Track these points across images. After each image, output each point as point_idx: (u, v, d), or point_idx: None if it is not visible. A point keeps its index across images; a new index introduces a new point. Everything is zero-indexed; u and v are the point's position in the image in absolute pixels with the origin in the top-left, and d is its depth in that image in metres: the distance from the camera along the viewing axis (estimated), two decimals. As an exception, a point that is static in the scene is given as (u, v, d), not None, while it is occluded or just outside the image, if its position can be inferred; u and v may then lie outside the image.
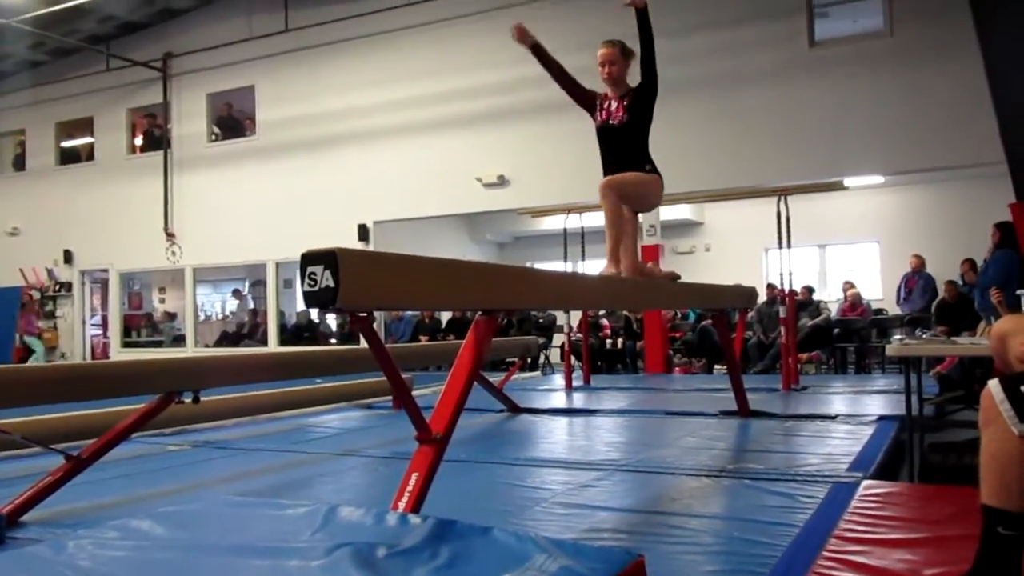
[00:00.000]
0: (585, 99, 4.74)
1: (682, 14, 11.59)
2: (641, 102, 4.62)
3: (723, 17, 11.41)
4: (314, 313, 14.43)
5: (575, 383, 9.38)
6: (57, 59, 16.86)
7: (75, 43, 15.58)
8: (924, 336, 6.46)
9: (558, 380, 10.08)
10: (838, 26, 11.62)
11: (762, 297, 10.83)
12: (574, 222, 10.16)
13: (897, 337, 6.06)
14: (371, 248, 13.60)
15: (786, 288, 8.66)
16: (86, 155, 17.22)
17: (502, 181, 12.76)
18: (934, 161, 10.73)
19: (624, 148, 4.64)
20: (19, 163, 17.87)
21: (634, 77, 4.80)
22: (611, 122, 4.63)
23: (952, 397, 6.36)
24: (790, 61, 11.17)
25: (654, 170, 4.71)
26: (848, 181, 9.92)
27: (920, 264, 12.53)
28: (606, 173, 4.68)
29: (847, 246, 15.66)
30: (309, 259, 2.42)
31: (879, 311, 13.06)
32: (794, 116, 11.06)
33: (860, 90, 10.76)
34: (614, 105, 4.64)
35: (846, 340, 11.75)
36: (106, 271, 16.63)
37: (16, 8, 13.52)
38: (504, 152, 12.68)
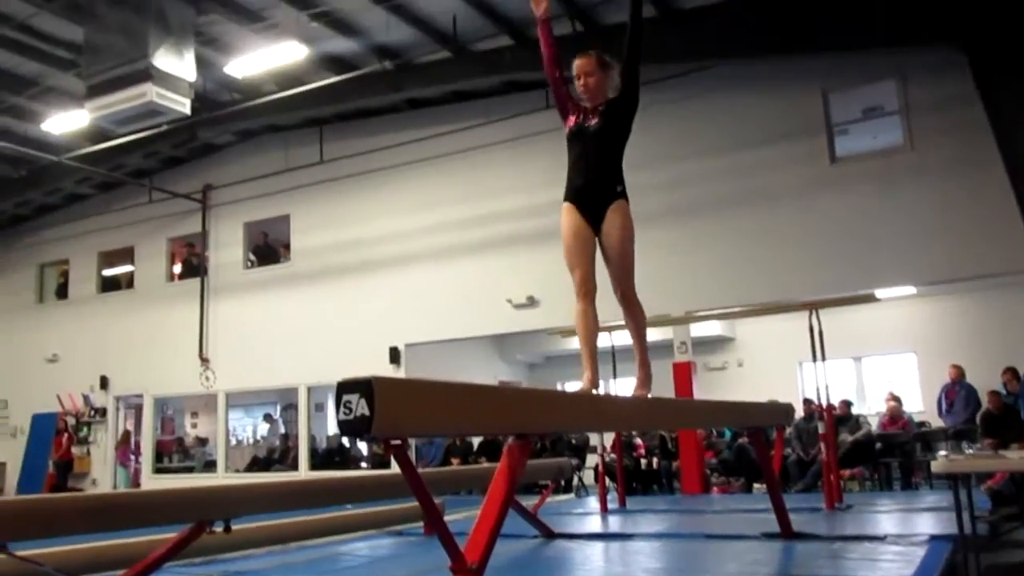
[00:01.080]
0: (562, 99, 4.20)
1: (706, 135, 11.91)
2: (618, 110, 4.09)
3: (746, 137, 11.68)
4: (345, 438, 14.37)
5: (610, 505, 9.15)
6: (102, 192, 17.56)
7: (120, 177, 16.25)
8: (971, 450, 6.28)
9: (593, 503, 9.85)
10: (859, 143, 11.82)
11: (799, 413, 10.63)
12: (604, 341, 10.14)
13: (943, 453, 5.90)
14: (403, 370, 13.66)
15: (823, 403, 8.50)
16: (126, 283, 17.68)
17: (531, 302, 12.86)
18: (964, 271, 10.71)
19: (595, 155, 4.07)
20: (62, 292, 18.37)
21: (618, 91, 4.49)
22: (585, 124, 4.10)
23: (1007, 515, 6.13)
24: (813, 178, 11.34)
25: (625, 195, 4.10)
26: (880, 292, 9.87)
27: (959, 374, 12.27)
28: (571, 187, 4.11)
29: (883, 357, 15.42)
30: (345, 387, 2.44)
31: (921, 424, 12.73)
32: (821, 230, 11.15)
33: (885, 203, 10.87)
34: (589, 113, 4.13)
35: (889, 455, 11.42)
36: (140, 396, 16.77)
37: (66, 145, 14.19)
38: (533, 273, 12.83)
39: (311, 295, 14.89)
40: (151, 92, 9.75)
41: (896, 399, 12.37)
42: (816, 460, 10.19)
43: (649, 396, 4.19)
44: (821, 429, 8.44)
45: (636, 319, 4.16)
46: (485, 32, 11.63)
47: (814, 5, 10.60)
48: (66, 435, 16.73)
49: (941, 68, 10.42)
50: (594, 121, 4.08)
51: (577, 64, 4.12)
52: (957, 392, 12.05)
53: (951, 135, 10.56)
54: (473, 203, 13.47)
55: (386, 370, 13.43)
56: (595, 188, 4.05)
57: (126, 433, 16.92)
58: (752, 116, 11.73)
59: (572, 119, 4.15)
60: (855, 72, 11.34)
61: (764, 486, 7.33)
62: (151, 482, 16.13)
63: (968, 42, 9.80)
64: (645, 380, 4.17)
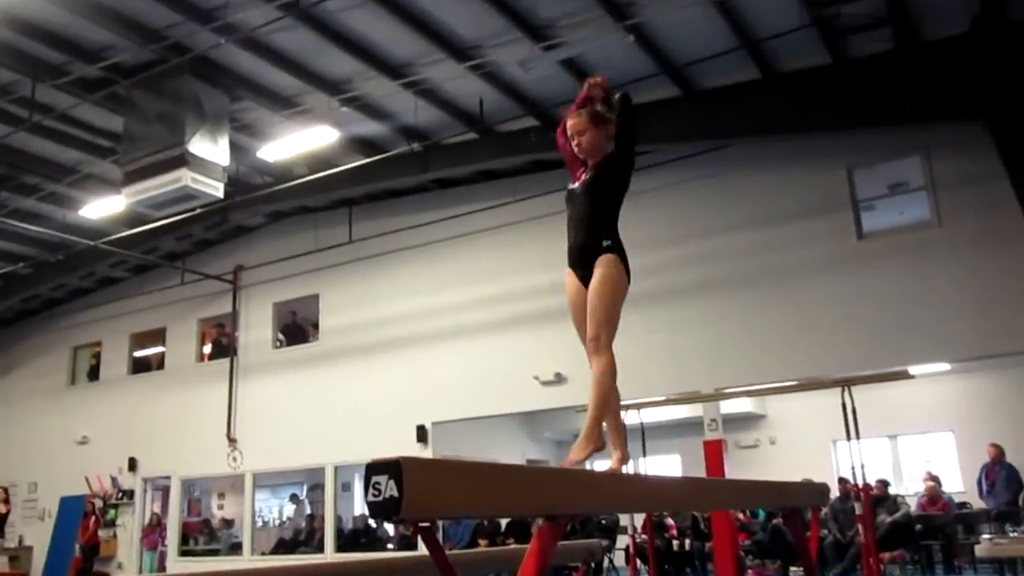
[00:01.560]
0: (568, 160, 4.12)
1: (734, 211, 11.98)
2: (609, 164, 3.92)
3: (773, 213, 11.73)
4: (371, 519, 14.19)
5: (643, 589, 8.93)
6: (135, 275, 17.89)
7: (153, 260, 16.56)
8: (1015, 533, 6.08)
9: (625, 586, 9.61)
10: (886, 218, 11.82)
11: (834, 492, 10.39)
12: (633, 418, 10.04)
13: (986, 536, 5.72)
14: (430, 448, 13.58)
15: (859, 482, 8.30)
16: (157, 364, 17.84)
17: (559, 379, 12.79)
18: (998, 347, 10.54)
19: (581, 214, 3.92)
20: (94, 374, 18.55)
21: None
22: (573, 184, 4.01)
23: (1054, 601, 5.89)
24: (841, 254, 11.33)
25: (614, 248, 3.84)
26: (914, 369, 9.73)
27: (999, 454, 11.96)
28: (568, 251, 4.00)
29: (920, 436, 15.10)
30: (374, 468, 2.42)
31: (962, 505, 12.37)
32: (851, 306, 11.07)
33: (915, 279, 10.80)
34: (584, 172, 4.00)
35: (930, 537, 11.09)
36: (168, 478, 16.73)
37: (102, 230, 14.54)
38: (560, 349, 12.77)
39: (339, 374, 14.93)
40: (186, 177, 10.01)
41: (935, 479, 12.06)
42: (854, 542, 9.91)
43: (579, 465, 3.51)
44: (858, 510, 8.24)
45: (595, 373, 3.62)
46: (511, 113, 11.89)
47: (836, 84, 10.76)
48: (93, 518, 16.67)
49: (966, 144, 10.47)
50: (583, 177, 3.96)
51: (569, 125, 3.97)
52: (998, 472, 11.72)
53: (979, 210, 10.53)
54: (499, 280, 13.55)
55: (413, 449, 13.34)
56: (584, 248, 3.90)
57: (154, 517, 16.84)
58: (778, 192, 11.80)
59: (569, 184, 4.05)
60: (880, 148, 11.41)
61: (801, 569, 7.11)
62: (176, 566, 15.98)
63: (991, 118, 9.85)
64: (583, 445, 3.51)
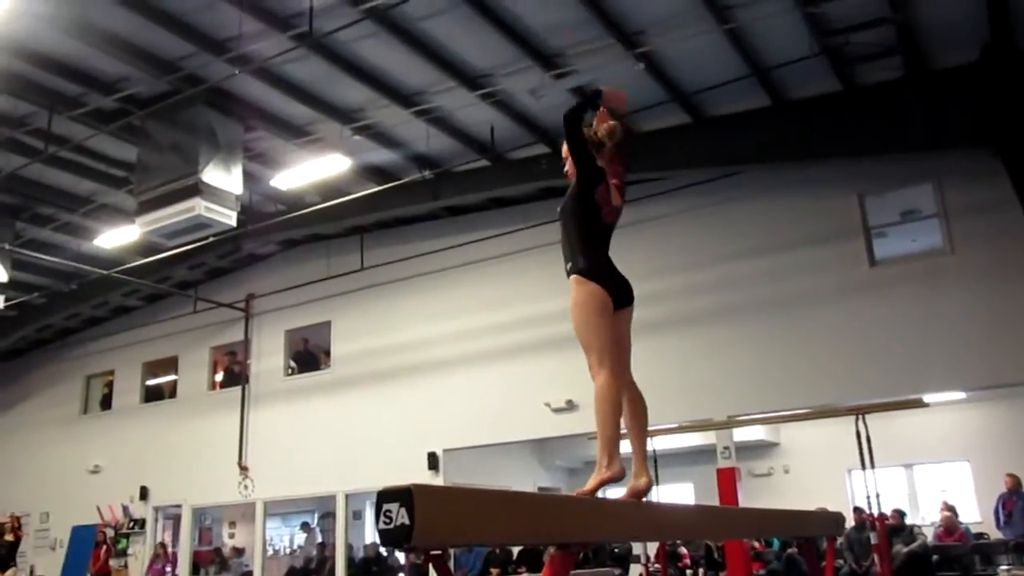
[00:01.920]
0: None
1: (745, 238, 11.98)
2: (571, 188, 3.96)
3: (785, 240, 11.71)
4: (384, 547, 14.11)
5: (657, 620, 8.83)
6: (148, 304, 17.99)
7: (166, 289, 16.65)
8: (1033, 563, 6.00)
9: (638, 617, 9.50)
10: (898, 245, 11.79)
11: (849, 522, 10.28)
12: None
13: (1004, 567, 5.64)
14: (441, 476, 13.52)
15: (875, 512, 8.22)
16: (169, 392, 17.87)
17: (570, 406, 12.74)
18: (1013, 376, 10.45)
19: (561, 239, 3.96)
20: (106, 403, 18.58)
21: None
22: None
23: (1076, 632, 5.79)
24: (854, 281, 11.28)
25: (573, 270, 3.81)
26: (929, 398, 9.65)
27: (1016, 484, 11.80)
28: None
29: (936, 465, 14.94)
30: (385, 496, 2.42)
31: (979, 535, 12.21)
32: (863, 334, 11.01)
33: (928, 306, 10.74)
34: None
35: (947, 568, 10.93)
36: (179, 507, 16.70)
37: (115, 259, 14.64)
38: (572, 376, 12.62)
39: (350, 401, 14.92)
40: (199, 206, 10.08)
41: (951, 509, 11.92)
42: (870, 572, 9.78)
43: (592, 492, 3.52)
44: (874, 539, 8.16)
45: (595, 401, 3.64)
46: (522, 141, 11.95)
47: (846, 111, 10.78)
48: (104, 547, 16.61)
49: (977, 172, 10.45)
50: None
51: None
52: (1015, 503, 11.58)
53: (991, 238, 10.49)
54: (511, 307, 13.55)
55: (424, 476, 13.29)
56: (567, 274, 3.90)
57: (159, 547, 16.75)
58: (789, 219, 11.79)
59: None
60: (891, 175, 11.41)
61: (817, 600, 7.02)
62: (187, 595, 15.90)
63: (1002, 146, 9.85)
64: (594, 474, 3.52)
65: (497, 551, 13.90)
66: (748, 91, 10.81)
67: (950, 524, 11.56)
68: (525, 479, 16.27)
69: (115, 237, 13.39)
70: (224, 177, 10.42)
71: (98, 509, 17.10)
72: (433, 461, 13.75)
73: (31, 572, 17.24)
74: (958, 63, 10.09)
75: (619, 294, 3.80)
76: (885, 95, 10.49)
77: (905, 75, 10.31)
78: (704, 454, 13.48)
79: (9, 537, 15.38)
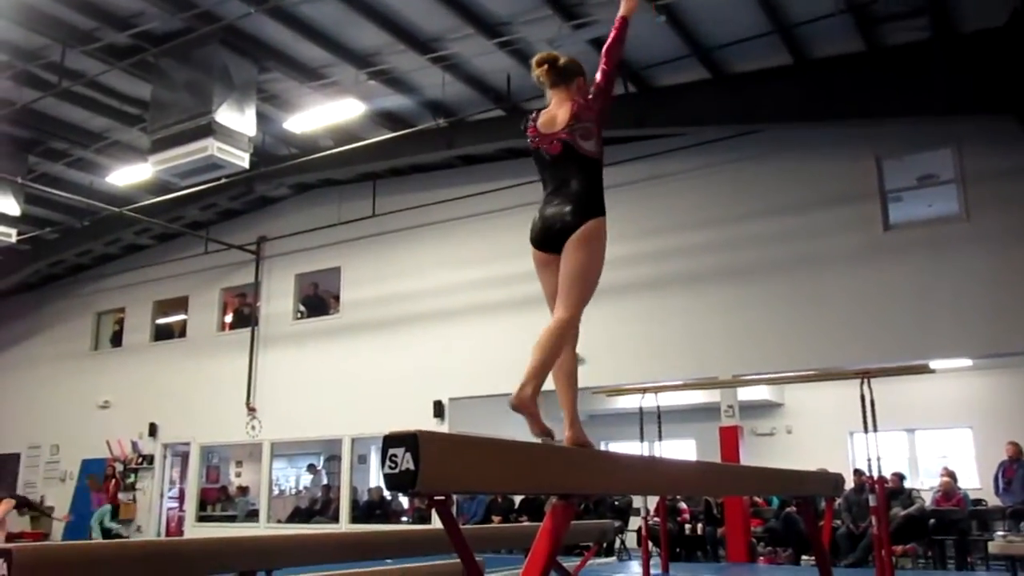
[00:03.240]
0: None
1: (759, 198, 11.89)
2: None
3: (799, 201, 11.63)
4: (388, 491, 14.32)
5: (653, 571, 8.96)
6: (159, 243, 18.05)
7: (178, 229, 16.69)
8: (1030, 531, 6.05)
9: (635, 567, 9.66)
10: (913, 210, 11.69)
11: (849, 483, 10.36)
12: (650, 401, 10.04)
13: (1000, 533, 5.69)
14: (446, 424, 13.64)
15: (875, 475, 8.27)
16: (179, 332, 18.01)
17: (577, 359, 12.77)
18: (1021, 345, 10.42)
19: None
20: (116, 340, 18.75)
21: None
22: None
23: (1068, 600, 5.85)
24: (867, 244, 11.22)
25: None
26: (935, 364, 9.65)
27: (1017, 452, 11.84)
28: None
29: (938, 431, 14.99)
30: (391, 441, 2.44)
31: (977, 501, 12.29)
32: (874, 298, 10.98)
33: (939, 273, 10.69)
34: None
35: (943, 532, 11.02)
36: (187, 444, 16.94)
37: (128, 197, 14.65)
38: (580, 328, 12.78)
39: (358, 347, 15.02)
40: (212, 147, 10.05)
41: (951, 474, 11.98)
42: (867, 534, 9.89)
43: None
44: (872, 502, 8.21)
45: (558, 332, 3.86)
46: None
47: (868, 72, 10.61)
48: (114, 481, 16.91)
49: (997, 138, 10.32)
50: None
51: None
52: (1015, 470, 11.62)
53: (1008, 206, 10.39)
54: (522, 259, 13.33)
55: (430, 424, 13.42)
56: None
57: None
58: (805, 180, 11.69)
59: None
60: (910, 139, 11.27)
61: (812, 558, 7.11)
62: (194, 531, 16.20)
63: (1023, 113, 9.69)
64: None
65: (499, 499, 14.09)
66: (770, 48, 10.65)
67: (949, 489, 11.63)
68: (529, 431, 16.40)
69: (128, 175, 13.38)
70: (237, 118, 10.37)
71: (107, 444, 17.37)
72: (439, 409, 13.88)
73: (42, 501, 17.56)
74: (985, 27, 9.88)
75: None
76: (909, 57, 10.31)
77: (931, 37, 10.12)
78: (708, 411, 13.56)
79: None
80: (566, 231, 3.58)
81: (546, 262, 3.74)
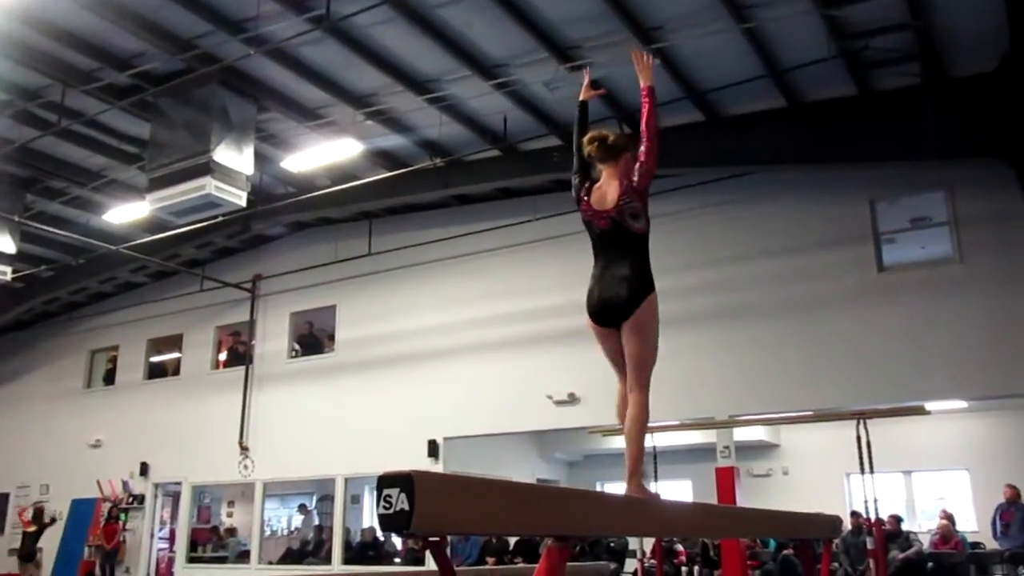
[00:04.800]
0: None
1: (754, 239, 11.96)
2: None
3: (794, 243, 11.69)
4: (381, 532, 14.17)
5: (650, 616, 8.85)
6: (155, 280, 18.04)
7: (174, 267, 16.69)
8: (1029, 574, 6.00)
9: (631, 612, 9.52)
10: (907, 252, 11.77)
11: (846, 525, 10.28)
12: (646, 442, 9.98)
13: None
14: (440, 464, 13.55)
15: (872, 517, 8.22)
16: (172, 370, 17.92)
17: (572, 399, 12.76)
18: (1016, 387, 10.47)
19: None
20: (110, 378, 18.64)
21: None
22: None
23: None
24: (861, 286, 11.26)
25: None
26: (931, 406, 9.64)
27: (1015, 495, 11.80)
28: None
29: (935, 473, 14.93)
30: (386, 481, 2.42)
31: (975, 544, 12.21)
32: (868, 340, 10.99)
33: (934, 314, 10.72)
34: None
35: (942, 576, 10.94)
36: (179, 484, 16.77)
37: (124, 235, 14.67)
38: (575, 370, 12.76)
39: (352, 386, 14.95)
40: (210, 185, 10.08)
41: (949, 517, 11.92)
42: (865, 577, 9.79)
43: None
44: (870, 544, 8.17)
45: (637, 420, 4.08)
46: (534, 132, 11.93)
47: (861, 116, 10.73)
48: (120, 524, 16.52)
49: (989, 181, 10.41)
50: None
51: None
52: (1014, 514, 11.57)
53: (1001, 249, 10.46)
54: (517, 299, 13.56)
55: (424, 464, 13.31)
56: None
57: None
58: (800, 221, 11.76)
59: None
60: (903, 182, 11.37)
61: (811, 602, 7.03)
62: (184, 572, 15.99)
63: (1014, 157, 9.80)
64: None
65: (494, 541, 13.95)
66: (763, 92, 10.76)
67: (947, 532, 11.57)
68: (524, 470, 16.31)
69: (124, 213, 13.41)
70: (235, 157, 10.42)
71: (98, 483, 17.18)
72: (433, 449, 13.78)
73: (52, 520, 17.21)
74: (976, 72, 10.03)
75: None
76: (901, 101, 10.43)
77: (922, 82, 10.23)
78: (704, 452, 13.48)
79: (30, 529, 15.46)
80: (623, 313, 3.93)
81: (605, 335, 4.06)
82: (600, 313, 4.01)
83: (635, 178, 4.00)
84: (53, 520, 16.37)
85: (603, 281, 4.01)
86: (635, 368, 3.96)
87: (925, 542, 11.64)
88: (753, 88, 10.59)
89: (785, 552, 11.37)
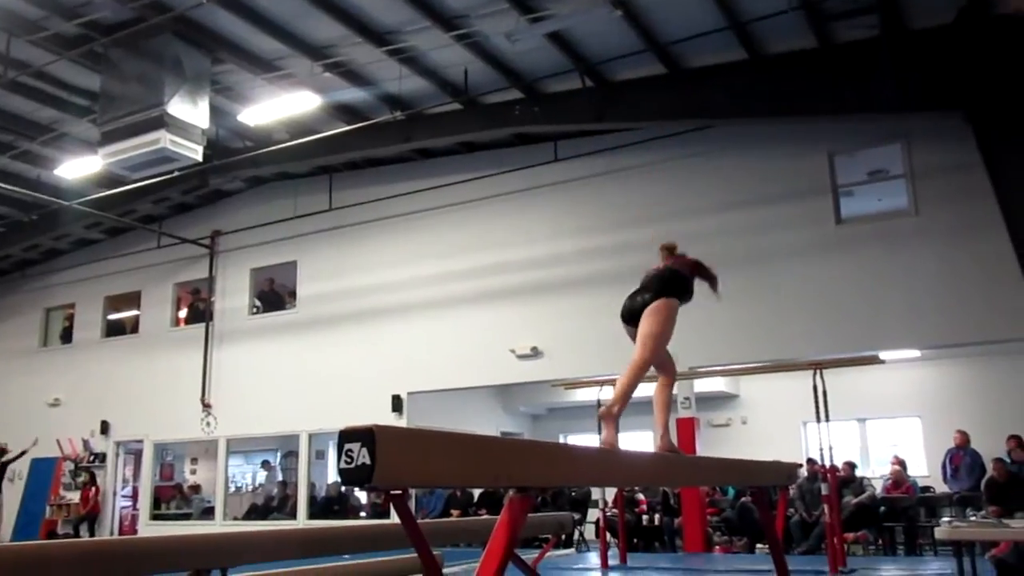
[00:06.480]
0: None
1: (713, 193, 12.02)
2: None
3: (752, 196, 11.78)
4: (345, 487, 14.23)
5: (611, 562, 9.05)
6: (111, 237, 17.70)
7: (130, 223, 16.37)
8: (975, 517, 6.21)
9: (593, 559, 9.73)
10: (864, 204, 11.91)
11: (802, 473, 10.54)
12: (608, 394, 10.10)
13: (947, 519, 5.83)
14: (404, 419, 13.60)
15: (827, 464, 8.42)
16: (131, 327, 17.69)
17: (536, 353, 12.84)
18: (968, 336, 10.70)
19: None
20: (67, 336, 18.36)
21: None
22: None
23: (1011, 583, 6.02)
24: (819, 238, 11.40)
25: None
26: (884, 355, 9.85)
27: (965, 440, 12.16)
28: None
29: (888, 420, 15.31)
30: (347, 436, 2.43)
31: (926, 488, 12.60)
32: (826, 291, 11.17)
33: (889, 266, 10.91)
34: None
35: (893, 519, 11.29)
36: (141, 442, 16.67)
37: (78, 191, 14.34)
38: (538, 324, 12.84)
39: (315, 342, 14.89)
40: (164, 139, 9.88)
41: (901, 463, 12.26)
42: (819, 522, 10.07)
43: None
44: (824, 490, 8.37)
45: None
46: (496, 85, 11.81)
47: (820, 69, 10.76)
48: (94, 488, 16.31)
49: (946, 134, 10.54)
50: None
51: None
52: (962, 458, 11.94)
53: (956, 200, 10.63)
54: (479, 253, 13.53)
55: (388, 418, 13.36)
56: None
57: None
58: (758, 175, 11.84)
59: None
60: (861, 135, 11.47)
61: (767, 547, 7.23)
62: (148, 529, 15.96)
63: (971, 109, 9.92)
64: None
65: (458, 493, 14.10)
66: (725, 44, 10.74)
67: (899, 477, 11.90)
68: (488, 424, 16.44)
69: (77, 167, 13.07)
70: (190, 110, 10.21)
71: (58, 442, 17.02)
72: (397, 403, 13.83)
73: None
74: (934, 24, 10.08)
75: None
76: (859, 54, 10.47)
77: (880, 34, 10.28)
78: (664, 404, 13.66)
79: None
80: (644, 307, 4.91)
81: (633, 333, 4.95)
82: (628, 314, 5.11)
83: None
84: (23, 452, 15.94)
85: (637, 294, 5.21)
86: (641, 341, 4.76)
87: (878, 487, 11.97)
88: (714, 40, 10.57)
89: (743, 499, 11.64)
